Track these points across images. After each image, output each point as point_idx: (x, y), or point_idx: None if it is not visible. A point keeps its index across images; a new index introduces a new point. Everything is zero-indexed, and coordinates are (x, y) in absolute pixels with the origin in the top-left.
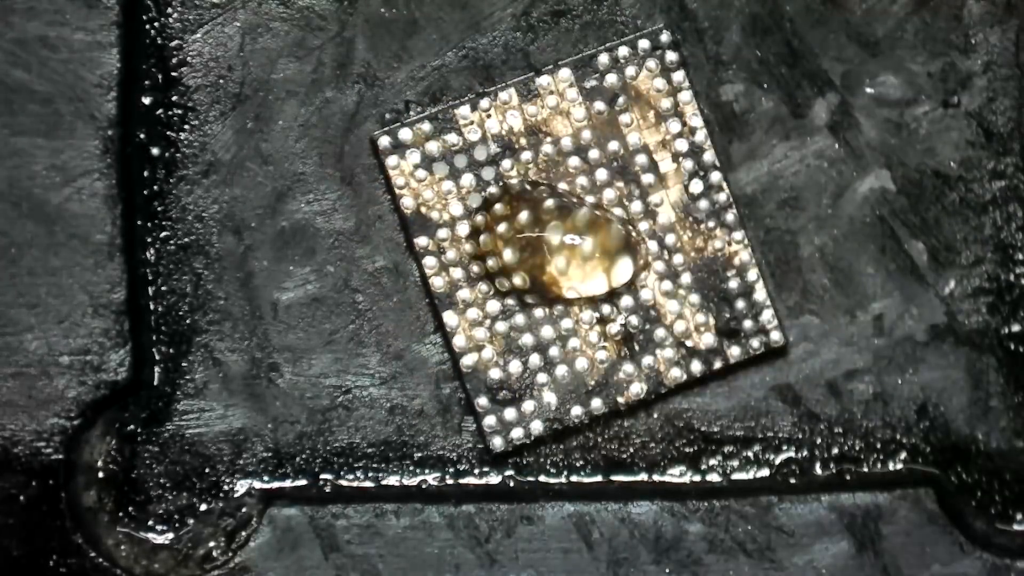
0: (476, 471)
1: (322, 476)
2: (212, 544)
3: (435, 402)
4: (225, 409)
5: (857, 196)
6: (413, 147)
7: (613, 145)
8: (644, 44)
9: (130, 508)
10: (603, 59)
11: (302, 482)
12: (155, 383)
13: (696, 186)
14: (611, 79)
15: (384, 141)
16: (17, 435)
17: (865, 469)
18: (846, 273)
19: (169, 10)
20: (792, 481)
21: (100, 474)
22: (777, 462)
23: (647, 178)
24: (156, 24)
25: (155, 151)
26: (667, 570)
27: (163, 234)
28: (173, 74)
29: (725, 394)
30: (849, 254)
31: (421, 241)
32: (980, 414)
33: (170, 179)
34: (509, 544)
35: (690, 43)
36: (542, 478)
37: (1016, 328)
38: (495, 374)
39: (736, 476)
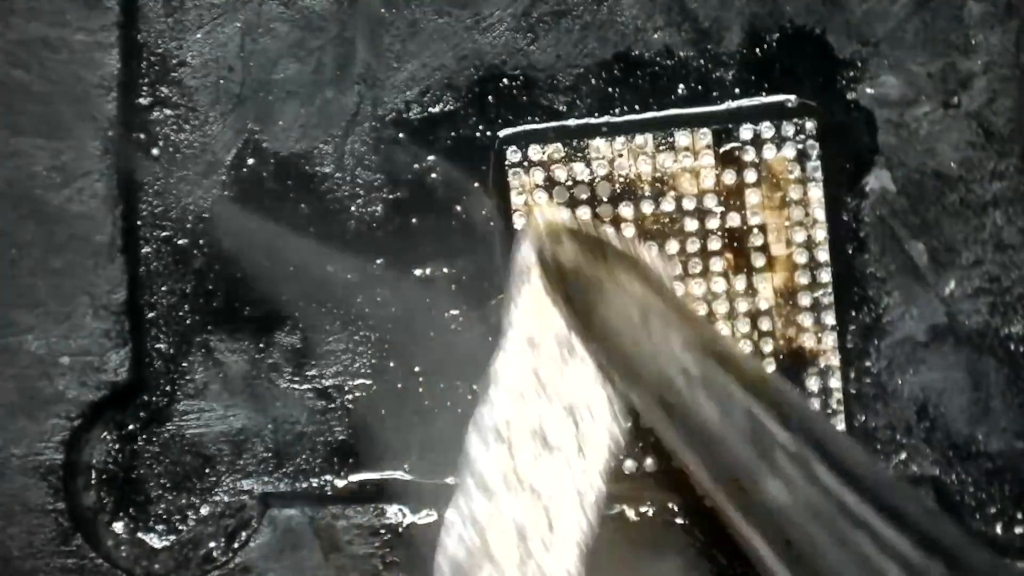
0: None
1: (322, 476)
2: (212, 544)
3: (435, 401)
4: (225, 409)
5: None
6: (539, 167)
7: (733, 218)
8: (788, 128)
9: (130, 508)
10: (745, 132)
11: (302, 482)
12: (155, 383)
13: (803, 278)
14: (748, 154)
15: (513, 154)
16: (17, 435)
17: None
18: (847, 270)
19: (169, 10)
20: None
21: (100, 474)
22: None
23: (757, 259)
24: (156, 24)
25: (155, 151)
26: None
27: (163, 234)
28: (173, 74)
29: None
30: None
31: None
32: (980, 414)
33: (170, 179)
34: None
35: (690, 43)
36: None
37: (1016, 328)
38: None
39: None
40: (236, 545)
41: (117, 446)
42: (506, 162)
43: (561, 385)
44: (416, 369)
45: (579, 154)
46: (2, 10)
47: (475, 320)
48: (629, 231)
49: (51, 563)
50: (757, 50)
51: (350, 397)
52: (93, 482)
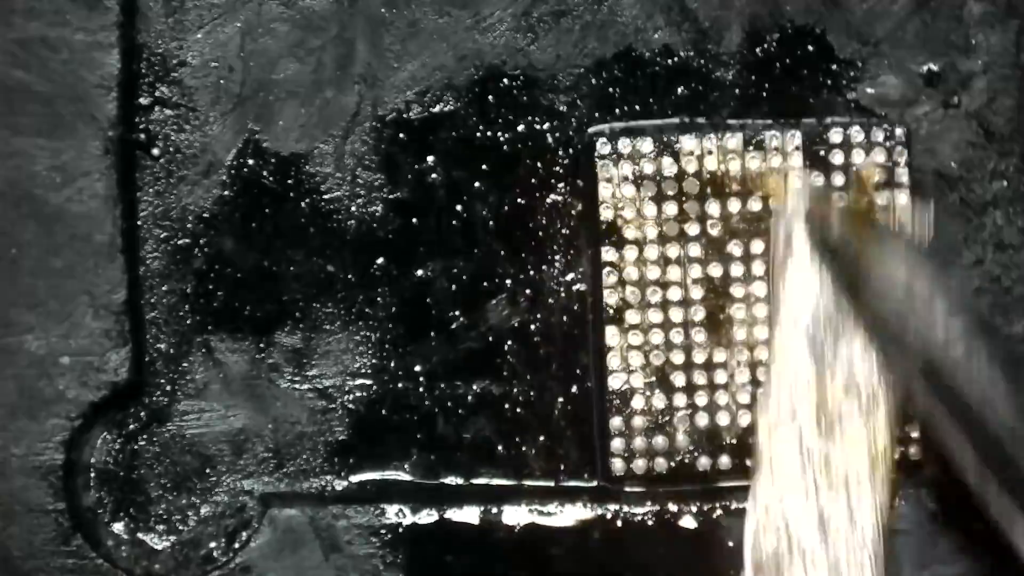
0: (481, 471)
1: (322, 476)
2: (212, 545)
3: (434, 400)
4: (225, 409)
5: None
6: (629, 160)
7: None
8: (878, 135)
9: (130, 508)
10: (835, 136)
11: (302, 482)
12: (155, 383)
13: None
14: (837, 157)
15: (603, 146)
16: (17, 435)
17: None
18: None
19: (169, 10)
20: None
21: (100, 474)
22: None
23: None
24: (156, 24)
25: (155, 151)
26: None
27: (163, 234)
28: (173, 74)
29: None
30: None
31: (608, 255)
32: None
33: (170, 179)
34: (512, 545)
35: (691, 43)
36: (548, 482)
37: (1016, 328)
38: (638, 402)
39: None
40: (236, 545)
41: (117, 446)
42: (595, 154)
43: (835, 362)
44: (416, 369)
45: (668, 150)
46: (2, 10)
47: (475, 320)
48: (716, 229)
49: (51, 563)
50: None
51: (350, 397)
52: (93, 482)
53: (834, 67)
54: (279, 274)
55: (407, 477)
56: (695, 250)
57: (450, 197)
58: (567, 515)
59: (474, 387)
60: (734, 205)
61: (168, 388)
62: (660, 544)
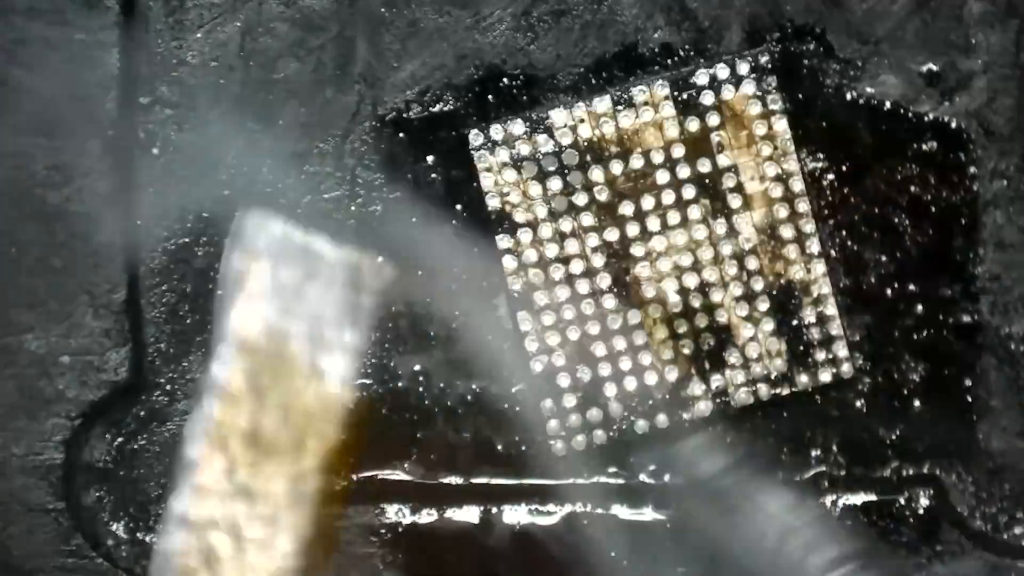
0: (481, 470)
1: (322, 476)
2: None
3: (434, 400)
4: None
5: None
6: (504, 145)
7: (703, 163)
8: (743, 67)
9: (130, 508)
10: (701, 77)
11: None
12: (155, 383)
13: (782, 211)
14: (707, 98)
15: (476, 138)
16: (17, 435)
17: (866, 469)
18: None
19: (169, 10)
20: (796, 480)
21: (100, 474)
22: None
23: (734, 199)
24: (156, 24)
25: (155, 151)
26: None
27: (163, 234)
28: (173, 74)
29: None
30: None
31: (503, 242)
32: (980, 414)
33: (170, 179)
34: (512, 545)
35: (691, 43)
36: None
37: (1016, 328)
38: (564, 380)
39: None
40: None
41: (117, 446)
42: (470, 147)
43: (273, 386)
44: (416, 369)
45: (541, 128)
46: (2, 10)
47: (475, 319)
48: (603, 195)
49: (51, 563)
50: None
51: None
52: (93, 482)
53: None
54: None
55: (407, 477)
56: (588, 219)
57: (450, 197)
58: (567, 515)
59: (474, 387)
60: (616, 167)
61: (168, 388)
62: (659, 544)
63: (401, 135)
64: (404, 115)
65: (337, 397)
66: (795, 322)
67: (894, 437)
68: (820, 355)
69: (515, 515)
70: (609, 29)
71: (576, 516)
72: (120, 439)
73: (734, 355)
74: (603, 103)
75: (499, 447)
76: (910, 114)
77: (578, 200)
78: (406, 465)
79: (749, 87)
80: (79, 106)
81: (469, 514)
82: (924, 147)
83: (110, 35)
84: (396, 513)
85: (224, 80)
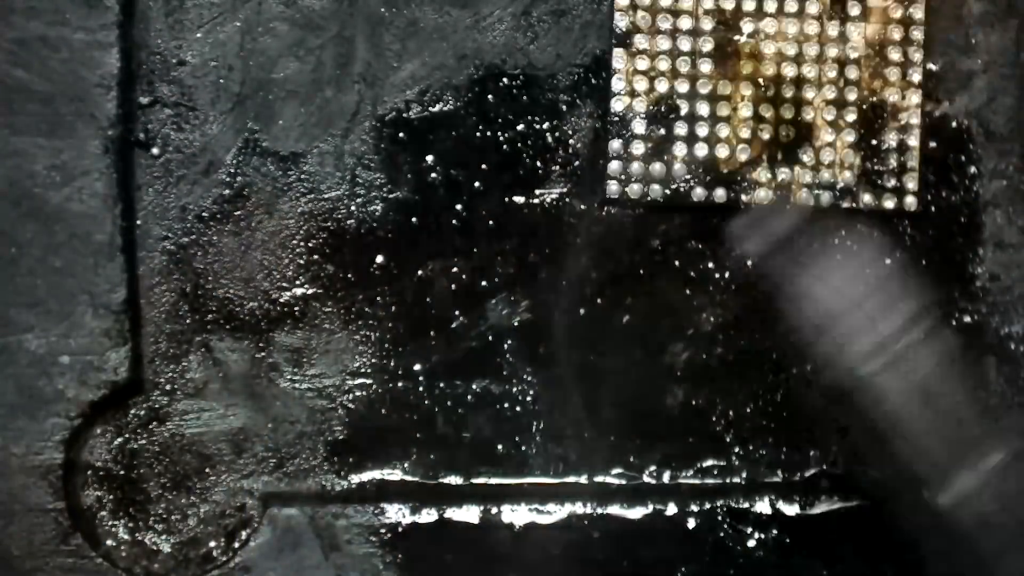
0: (481, 470)
1: (322, 476)
2: (212, 544)
3: (434, 400)
4: (225, 409)
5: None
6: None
7: None
8: None
9: (130, 508)
10: None
11: (302, 482)
12: (155, 383)
13: (896, 33)
14: None
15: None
16: (17, 435)
17: (865, 468)
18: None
19: (169, 10)
20: (794, 479)
21: (100, 474)
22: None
23: (853, 7)
24: (156, 24)
25: (155, 151)
26: None
27: (163, 234)
28: (173, 73)
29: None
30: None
31: None
32: (980, 414)
33: (170, 179)
34: (511, 544)
35: None
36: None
37: (1016, 328)
38: (639, 127)
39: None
40: (236, 545)
41: (117, 446)
42: None
43: None
44: (416, 369)
45: None
46: (2, 9)
47: (475, 319)
48: None
49: (51, 563)
50: None
51: (350, 397)
52: (93, 482)
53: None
54: (279, 274)
55: (407, 477)
56: None
57: (450, 197)
58: (567, 515)
59: (474, 387)
60: None
61: (168, 388)
62: (659, 544)
63: (401, 135)
64: (404, 115)
65: None
66: (875, 141)
67: (894, 437)
68: (891, 181)
69: (515, 515)
70: (609, 28)
71: (576, 516)
72: (120, 439)
73: (808, 154)
74: None
75: (499, 447)
76: None
77: None
78: (406, 465)
79: None
80: (79, 106)
81: (469, 514)
82: None
83: (110, 35)
84: (396, 513)
85: (224, 80)
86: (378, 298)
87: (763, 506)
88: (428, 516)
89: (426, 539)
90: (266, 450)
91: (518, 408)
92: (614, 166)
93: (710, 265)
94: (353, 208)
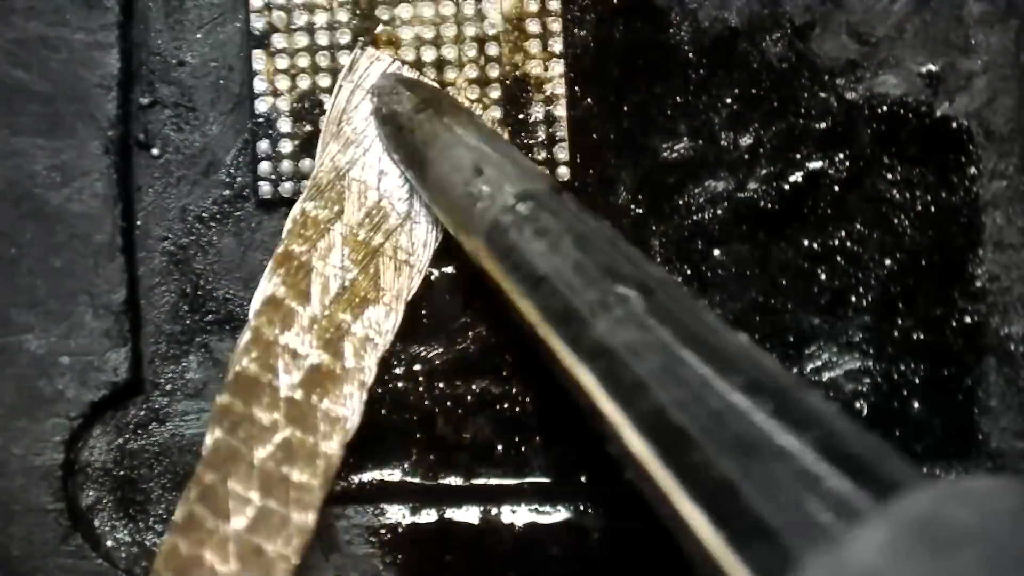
0: (481, 471)
1: None
2: None
3: (434, 400)
4: None
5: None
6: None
7: None
8: None
9: (130, 508)
10: None
11: None
12: (155, 383)
13: (533, 5)
14: None
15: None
16: (17, 435)
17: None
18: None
19: (169, 10)
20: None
21: (100, 474)
22: None
23: None
24: (156, 24)
25: (155, 151)
26: None
27: (163, 234)
28: (173, 74)
29: None
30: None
31: None
32: (980, 414)
33: (170, 179)
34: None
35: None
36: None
37: (1016, 328)
38: (285, 125)
39: None
40: None
41: (117, 446)
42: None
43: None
44: (416, 369)
45: None
46: (2, 10)
47: (475, 319)
48: None
49: (51, 563)
50: None
51: None
52: (93, 482)
53: (834, 67)
54: None
55: (407, 477)
56: None
57: None
58: (567, 515)
59: (474, 387)
60: None
61: (168, 388)
62: (659, 544)
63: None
64: None
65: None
66: (522, 116)
67: (894, 437)
68: (542, 153)
69: (515, 515)
70: None
71: (576, 516)
72: (120, 439)
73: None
74: None
75: (499, 447)
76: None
77: None
78: (406, 465)
79: None
80: (79, 106)
81: (469, 514)
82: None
83: (110, 35)
84: (396, 514)
85: (224, 80)
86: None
87: None
88: (428, 517)
89: (426, 540)
90: None
91: (518, 408)
92: (264, 167)
93: None
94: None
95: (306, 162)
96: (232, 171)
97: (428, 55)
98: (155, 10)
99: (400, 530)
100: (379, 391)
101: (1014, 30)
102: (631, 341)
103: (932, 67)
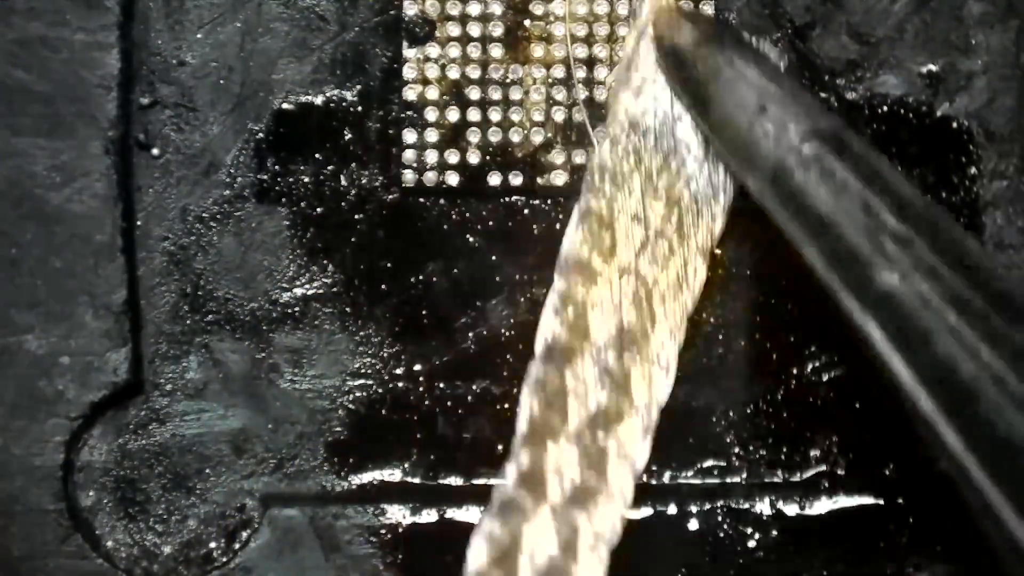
0: (481, 471)
1: (322, 476)
2: (212, 545)
3: (434, 400)
4: (225, 409)
5: None
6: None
7: None
8: None
9: (130, 508)
10: None
11: (302, 482)
12: (155, 383)
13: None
14: None
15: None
16: (17, 435)
17: (866, 469)
18: None
19: (169, 10)
20: (793, 480)
21: (100, 474)
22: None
23: None
24: (156, 24)
25: (155, 151)
26: None
27: (163, 234)
28: (173, 74)
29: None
30: None
31: None
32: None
33: (170, 179)
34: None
35: None
36: None
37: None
38: (431, 114)
39: (732, 479)
40: (236, 545)
41: (117, 446)
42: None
43: (659, 179)
44: (416, 369)
45: None
46: (2, 10)
47: (475, 319)
48: None
49: (51, 563)
50: None
51: (350, 397)
52: (93, 482)
53: (834, 67)
54: (279, 274)
55: (407, 477)
56: None
57: (449, 196)
58: None
59: (474, 387)
60: None
61: (168, 388)
62: (659, 544)
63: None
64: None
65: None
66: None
67: (895, 437)
68: None
69: None
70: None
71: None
72: (120, 439)
73: (603, 134)
74: None
75: (500, 447)
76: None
77: None
78: (406, 465)
79: None
80: (79, 106)
81: (470, 514)
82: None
83: (110, 35)
84: (397, 514)
85: (224, 81)
86: (378, 298)
87: (763, 506)
88: (428, 517)
89: (426, 540)
90: (266, 451)
91: (518, 408)
92: (408, 155)
93: None
94: (354, 208)
95: (451, 153)
96: (232, 171)
97: (580, 52)
98: (155, 10)
99: (400, 530)
100: (379, 391)
101: (1014, 30)
102: (912, 290)
103: (932, 67)
